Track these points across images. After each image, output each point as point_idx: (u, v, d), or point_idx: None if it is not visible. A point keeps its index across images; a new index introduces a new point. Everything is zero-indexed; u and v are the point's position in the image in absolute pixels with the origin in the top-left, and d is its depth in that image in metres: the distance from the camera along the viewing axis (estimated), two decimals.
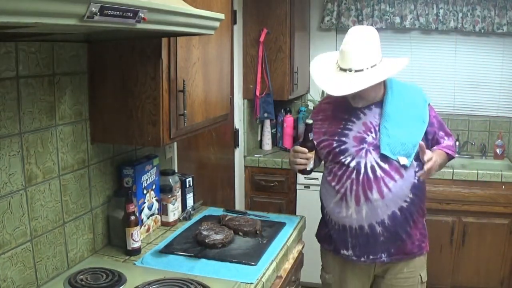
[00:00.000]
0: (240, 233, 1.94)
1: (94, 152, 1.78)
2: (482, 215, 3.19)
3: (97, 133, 1.75)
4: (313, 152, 1.95)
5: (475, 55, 3.70)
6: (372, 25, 3.66)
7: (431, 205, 3.21)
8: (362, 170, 1.97)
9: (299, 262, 2.07)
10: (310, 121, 1.95)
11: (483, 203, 3.17)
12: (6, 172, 1.38)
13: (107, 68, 1.69)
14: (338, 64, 1.95)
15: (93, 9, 0.88)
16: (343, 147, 2.01)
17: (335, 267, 2.10)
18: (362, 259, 2.02)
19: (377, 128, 1.99)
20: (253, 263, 1.70)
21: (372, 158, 1.97)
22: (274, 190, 3.36)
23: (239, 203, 3.42)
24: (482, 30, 3.54)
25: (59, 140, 1.59)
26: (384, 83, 2.04)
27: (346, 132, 2.02)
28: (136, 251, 1.80)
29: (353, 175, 1.98)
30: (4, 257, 1.38)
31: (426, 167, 1.87)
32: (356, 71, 1.88)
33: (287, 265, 1.90)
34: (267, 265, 1.71)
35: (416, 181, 1.99)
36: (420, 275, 2.10)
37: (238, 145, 3.36)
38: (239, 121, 3.36)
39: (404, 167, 1.96)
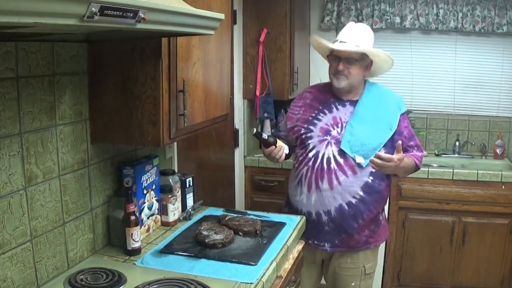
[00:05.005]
0: (240, 233, 1.94)
1: (94, 152, 1.78)
2: (482, 215, 3.19)
3: (97, 133, 1.74)
4: (278, 142, 2.14)
5: (475, 55, 3.70)
6: (372, 25, 3.66)
7: (431, 205, 3.24)
8: (319, 160, 2.13)
9: (299, 262, 2.07)
10: (253, 131, 2.10)
11: (483, 203, 3.17)
12: (6, 172, 1.38)
13: (107, 68, 1.69)
14: (337, 39, 2.18)
15: (93, 9, 0.88)
16: (309, 134, 2.18)
17: None
18: (310, 241, 2.21)
19: (344, 125, 2.15)
20: (253, 263, 1.70)
21: (331, 150, 2.12)
22: (274, 190, 3.35)
23: (239, 203, 3.42)
24: (482, 30, 3.54)
25: (59, 140, 1.59)
26: (364, 84, 2.23)
27: (315, 121, 2.19)
28: (136, 251, 1.80)
29: (310, 163, 2.15)
30: (4, 257, 1.38)
31: (386, 158, 2.01)
32: (355, 45, 2.11)
33: (287, 265, 1.90)
34: (267, 265, 1.71)
35: (370, 180, 2.12)
36: (364, 266, 2.25)
37: (238, 145, 3.36)
38: (239, 121, 3.36)
39: (359, 165, 2.10)
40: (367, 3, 3.66)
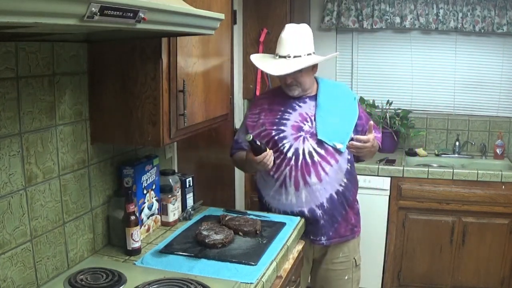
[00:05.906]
0: (240, 233, 1.94)
1: (94, 152, 1.78)
2: (482, 215, 3.19)
3: (97, 133, 1.75)
4: (268, 148, 2.06)
5: (475, 55, 3.70)
6: (372, 25, 3.67)
7: (431, 205, 3.24)
8: (301, 156, 2.14)
9: (299, 262, 2.07)
10: (249, 137, 1.98)
11: (483, 203, 3.17)
12: (6, 172, 1.38)
13: (107, 68, 1.69)
14: (277, 53, 2.13)
15: (93, 9, 0.88)
16: (281, 134, 2.17)
17: None
18: (307, 238, 2.20)
19: (312, 118, 2.18)
20: (253, 263, 1.70)
21: (309, 144, 2.14)
22: None
23: (239, 203, 3.42)
24: (482, 30, 3.54)
25: (59, 140, 1.59)
26: (316, 80, 2.27)
27: (284, 121, 2.18)
28: (136, 251, 1.80)
29: (292, 162, 2.14)
30: (4, 257, 1.38)
31: (364, 139, 2.07)
32: (294, 56, 2.09)
33: (287, 265, 1.90)
34: (267, 265, 1.71)
35: (348, 167, 2.21)
36: (354, 258, 2.32)
37: None
38: (239, 121, 3.36)
39: (339, 152, 2.16)
40: (367, 3, 3.66)
